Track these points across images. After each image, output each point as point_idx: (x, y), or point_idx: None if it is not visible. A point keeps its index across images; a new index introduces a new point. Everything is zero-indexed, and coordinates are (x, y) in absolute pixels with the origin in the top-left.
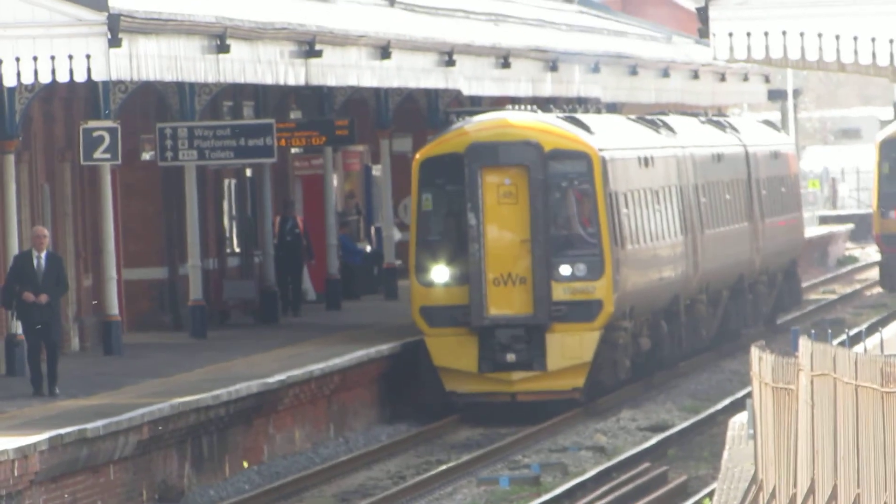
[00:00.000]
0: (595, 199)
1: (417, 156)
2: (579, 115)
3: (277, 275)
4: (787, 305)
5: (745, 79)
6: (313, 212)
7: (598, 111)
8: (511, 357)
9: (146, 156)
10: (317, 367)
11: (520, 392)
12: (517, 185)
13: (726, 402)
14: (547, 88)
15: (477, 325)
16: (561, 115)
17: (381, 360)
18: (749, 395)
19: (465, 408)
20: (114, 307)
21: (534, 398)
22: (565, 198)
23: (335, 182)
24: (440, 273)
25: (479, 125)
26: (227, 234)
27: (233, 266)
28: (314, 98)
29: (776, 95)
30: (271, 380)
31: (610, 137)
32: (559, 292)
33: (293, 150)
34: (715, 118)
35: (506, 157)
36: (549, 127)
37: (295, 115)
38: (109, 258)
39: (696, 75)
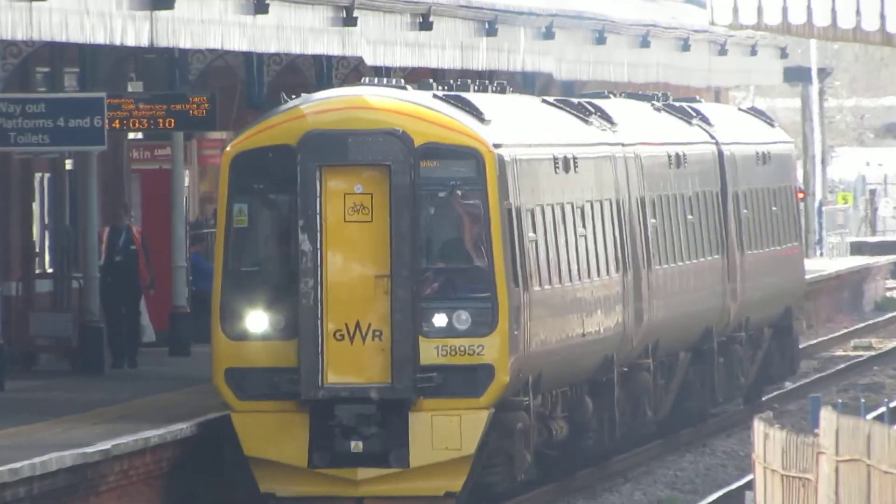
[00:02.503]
0: (487, 217)
1: (228, 148)
2: (469, 95)
3: (104, 307)
4: (778, 375)
5: (754, 52)
6: (155, 221)
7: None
8: (357, 446)
9: None
10: (154, 434)
11: (368, 497)
12: (374, 194)
13: (717, 495)
14: (480, 59)
15: (309, 399)
16: (442, 93)
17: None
18: (749, 485)
19: None
20: None
21: None
22: (443, 215)
23: (187, 180)
24: (256, 321)
25: (322, 106)
26: (37, 250)
27: (44, 293)
28: (161, 65)
29: (796, 76)
30: (91, 449)
31: (512, 128)
32: (430, 353)
33: (131, 136)
34: (676, 104)
35: (358, 154)
36: (422, 111)
37: (135, 87)
38: None
39: (686, 46)
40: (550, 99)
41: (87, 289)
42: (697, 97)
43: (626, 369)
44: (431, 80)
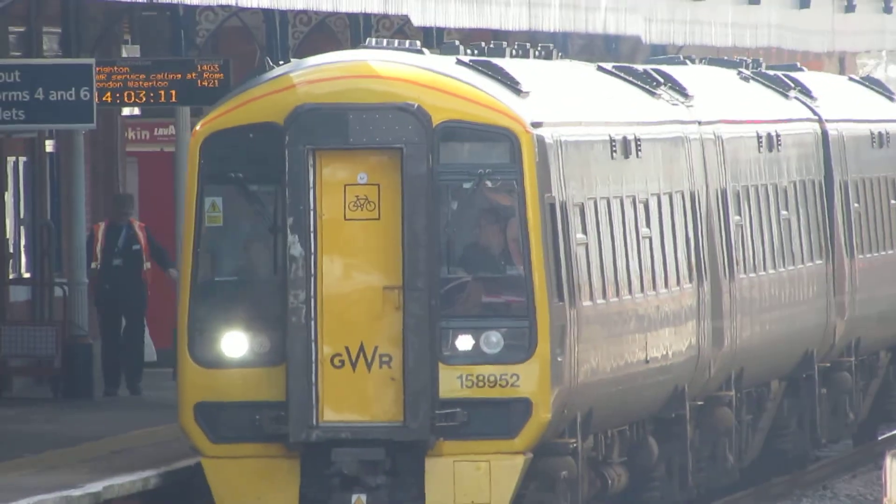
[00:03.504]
0: (524, 214)
1: (198, 127)
2: (502, 61)
3: (101, 321)
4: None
5: (888, 9)
6: (156, 214)
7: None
8: (360, 500)
9: None
10: (152, 474)
11: None
12: (382, 185)
13: None
14: (553, 18)
15: (300, 441)
16: (468, 58)
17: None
18: None
19: None
20: None
21: None
22: (469, 211)
23: None
24: (233, 343)
25: (316, 74)
26: (11, 250)
27: (19, 302)
28: (163, 25)
29: None
30: (77, 492)
31: (557, 102)
32: (453, 384)
33: (125, 112)
34: (769, 72)
35: (362, 134)
36: (443, 81)
37: (130, 52)
38: None
39: (804, 1)
40: (608, 66)
41: (72, 297)
42: (798, 63)
43: (701, 403)
44: (456, 42)
